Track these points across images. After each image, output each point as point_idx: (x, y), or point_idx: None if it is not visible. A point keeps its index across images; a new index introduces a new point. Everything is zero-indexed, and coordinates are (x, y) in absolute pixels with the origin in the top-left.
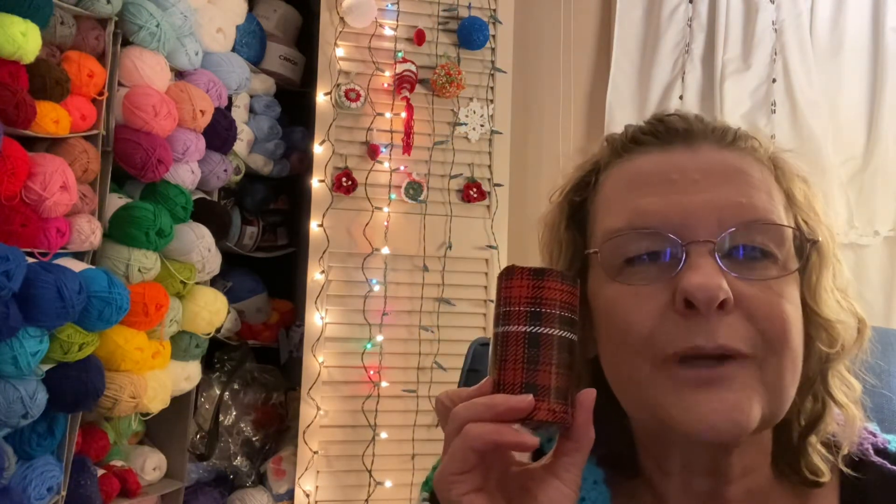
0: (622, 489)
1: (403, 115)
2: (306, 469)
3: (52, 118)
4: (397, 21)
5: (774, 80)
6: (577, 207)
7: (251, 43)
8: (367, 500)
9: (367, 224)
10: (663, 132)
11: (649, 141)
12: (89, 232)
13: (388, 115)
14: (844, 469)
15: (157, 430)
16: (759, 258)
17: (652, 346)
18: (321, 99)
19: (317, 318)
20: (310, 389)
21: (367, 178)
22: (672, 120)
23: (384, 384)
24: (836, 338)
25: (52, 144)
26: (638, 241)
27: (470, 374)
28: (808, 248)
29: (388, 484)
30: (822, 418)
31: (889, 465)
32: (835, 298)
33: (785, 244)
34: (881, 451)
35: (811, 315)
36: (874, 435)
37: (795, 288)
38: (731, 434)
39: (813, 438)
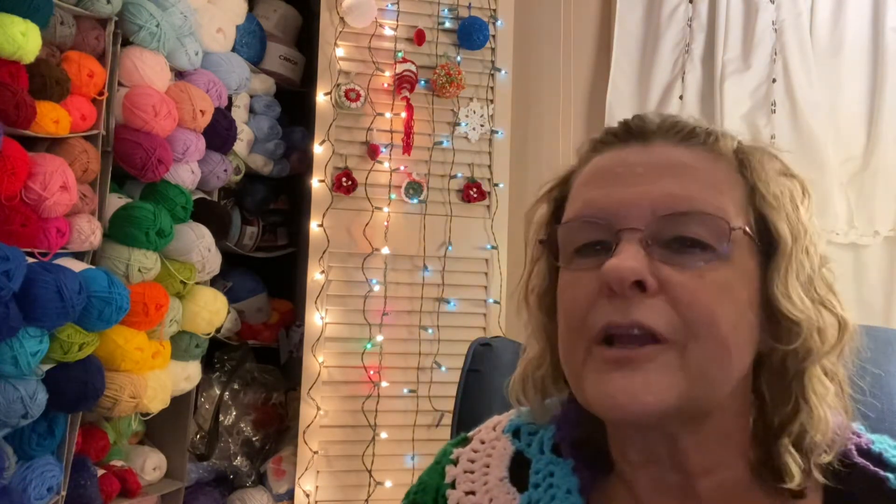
0: (599, 490)
1: (403, 115)
2: (306, 469)
3: (52, 118)
4: (397, 21)
5: (774, 80)
6: (558, 204)
7: (251, 43)
8: (367, 500)
9: (367, 224)
10: (622, 132)
11: (612, 141)
12: (89, 232)
13: (388, 115)
14: (817, 475)
15: (157, 430)
16: (691, 248)
17: (585, 327)
18: (321, 99)
19: (317, 318)
20: (310, 389)
21: (367, 178)
22: (633, 121)
23: (384, 384)
24: (799, 334)
25: (52, 144)
26: (582, 230)
27: (470, 374)
28: (761, 243)
29: (388, 484)
30: (794, 419)
31: (871, 467)
32: (800, 295)
33: (725, 236)
34: (864, 452)
35: (773, 311)
36: (858, 435)
37: (743, 280)
38: (635, 414)
39: (785, 440)
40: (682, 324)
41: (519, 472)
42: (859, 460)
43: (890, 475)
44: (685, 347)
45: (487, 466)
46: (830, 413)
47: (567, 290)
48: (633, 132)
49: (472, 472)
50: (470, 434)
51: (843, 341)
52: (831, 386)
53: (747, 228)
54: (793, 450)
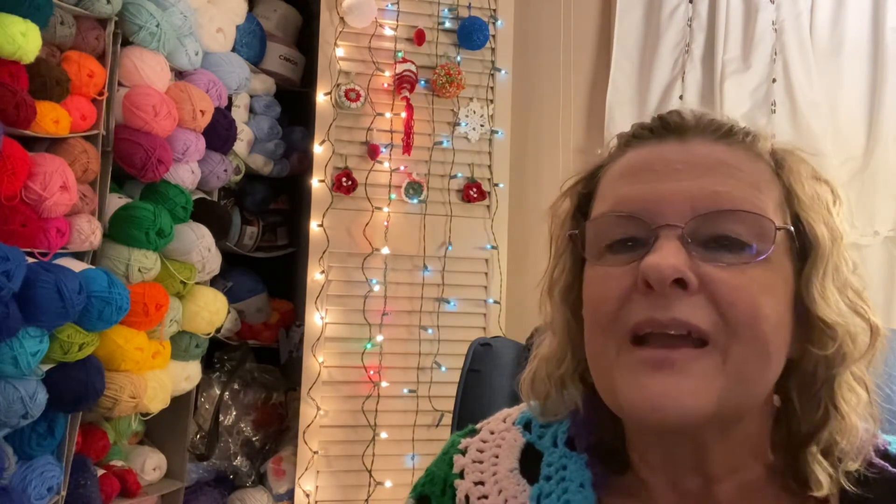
0: (613, 487)
1: (403, 115)
2: (306, 469)
3: (52, 118)
4: (397, 21)
5: (774, 80)
6: (583, 199)
7: (251, 43)
8: (367, 500)
9: (367, 224)
10: (659, 128)
11: (646, 136)
12: (89, 232)
13: (388, 115)
14: (845, 484)
15: (157, 430)
16: (732, 246)
17: (616, 324)
18: (321, 99)
19: (317, 318)
20: (310, 389)
21: (367, 178)
22: (669, 116)
23: (384, 384)
24: (834, 339)
25: (52, 144)
26: (616, 225)
27: (470, 374)
28: (797, 245)
29: (388, 484)
30: (823, 427)
31: (890, 468)
32: (836, 299)
33: (766, 236)
34: (882, 454)
35: (808, 315)
36: (874, 437)
37: (781, 281)
38: (677, 420)
39: (814, 448)
40: (724, 323)
41: (529, 464)
42: (878, 462)
43: None
44: (727, 349)
45: (497, 457)
46: (860, 421)
47: (596, 284)
48: (670, 127)
49: (480, 463)
50: (478, 426)
51: (875, 348)
52: (863, 394)
53: (791, 228)
54: (821, 458)
